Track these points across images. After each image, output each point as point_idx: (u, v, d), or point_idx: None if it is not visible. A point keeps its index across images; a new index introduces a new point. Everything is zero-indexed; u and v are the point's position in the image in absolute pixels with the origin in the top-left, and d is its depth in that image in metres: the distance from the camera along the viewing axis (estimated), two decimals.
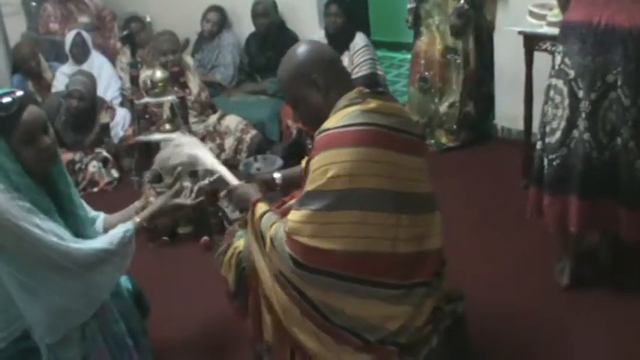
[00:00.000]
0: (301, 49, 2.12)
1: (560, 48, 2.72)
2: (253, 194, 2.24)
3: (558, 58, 2.72)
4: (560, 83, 2.70)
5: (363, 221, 1.92)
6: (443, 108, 4.58)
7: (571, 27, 2.66)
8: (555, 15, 3.38)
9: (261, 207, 2.14)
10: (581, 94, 2.64)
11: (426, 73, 4.57)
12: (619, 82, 2.59)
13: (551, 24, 3.46)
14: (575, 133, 2.68)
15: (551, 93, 2.75)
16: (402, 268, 1.99)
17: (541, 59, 3.12)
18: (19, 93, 2.08)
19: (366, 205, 1.92)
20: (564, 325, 2.72)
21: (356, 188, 1.90)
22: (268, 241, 2.02)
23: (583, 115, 2.65)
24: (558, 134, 2.73)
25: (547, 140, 2.78)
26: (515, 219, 3.38)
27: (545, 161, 2.79)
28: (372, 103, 2.00)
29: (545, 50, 3.53)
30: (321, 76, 2.05)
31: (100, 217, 2.45)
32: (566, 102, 2.68)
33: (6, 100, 2.03)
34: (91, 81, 4.67)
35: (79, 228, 2.24)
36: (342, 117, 1.97)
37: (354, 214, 1.91)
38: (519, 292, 2.96)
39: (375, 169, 1.94)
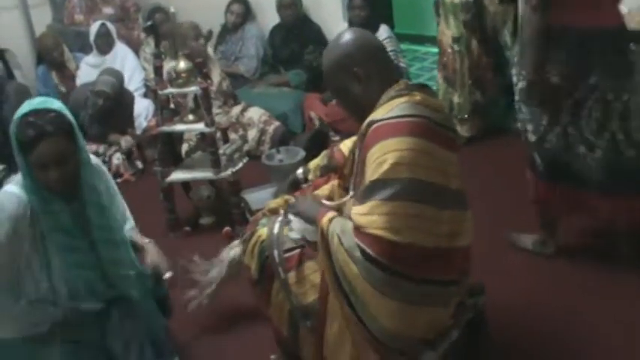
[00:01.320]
0: (345, 40, 2.08)
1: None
2: (316, 208, 2.13)
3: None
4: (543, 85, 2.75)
5: (420, 214, 1.88)
6: (455, 97, 4.54)
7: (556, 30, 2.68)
8: None
9: (328, 217, 2.02)
10: (566, 95, 2.71)
11: (443, 62, 4.56)
12: (600, 82, 2.66)
13: None
14: (557, 128, 2.78)
15: (533, 92, 2.79)
16: (437, 264, 1.95)
17: None
18: (50, 116, 2.10)
19: (423, 197, 1.88)
20: (583, 315, 2.70)
21: (414, 178, 1.87)
22: (336, 239, 1.93)
23: (568, 115, 2.74)
24: (543, 130, 2.83)
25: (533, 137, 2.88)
26: (533, 210, 3.35)
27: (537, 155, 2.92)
28: (418, 96, 1.99)
29: None
30: (363, 69, 2.02)
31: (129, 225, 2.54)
32: (551, 104, 2.75)
33: (31, 119, 2.07)
34: (118, 79, 4.67)
35: (110, 253, 2.32)
36: (392, 107, 1.95)
37: (414, 206, 1.87)
38: (537, 283, 2.94)
39: (430, 162, 1.91)
